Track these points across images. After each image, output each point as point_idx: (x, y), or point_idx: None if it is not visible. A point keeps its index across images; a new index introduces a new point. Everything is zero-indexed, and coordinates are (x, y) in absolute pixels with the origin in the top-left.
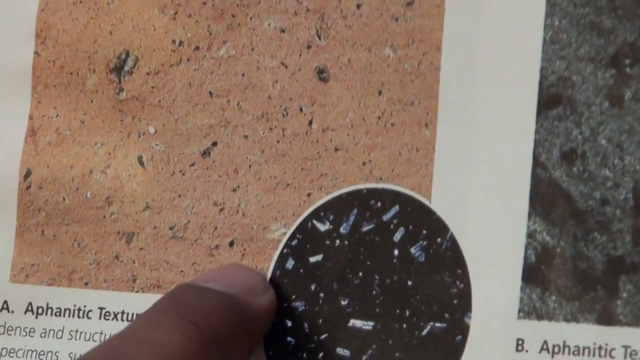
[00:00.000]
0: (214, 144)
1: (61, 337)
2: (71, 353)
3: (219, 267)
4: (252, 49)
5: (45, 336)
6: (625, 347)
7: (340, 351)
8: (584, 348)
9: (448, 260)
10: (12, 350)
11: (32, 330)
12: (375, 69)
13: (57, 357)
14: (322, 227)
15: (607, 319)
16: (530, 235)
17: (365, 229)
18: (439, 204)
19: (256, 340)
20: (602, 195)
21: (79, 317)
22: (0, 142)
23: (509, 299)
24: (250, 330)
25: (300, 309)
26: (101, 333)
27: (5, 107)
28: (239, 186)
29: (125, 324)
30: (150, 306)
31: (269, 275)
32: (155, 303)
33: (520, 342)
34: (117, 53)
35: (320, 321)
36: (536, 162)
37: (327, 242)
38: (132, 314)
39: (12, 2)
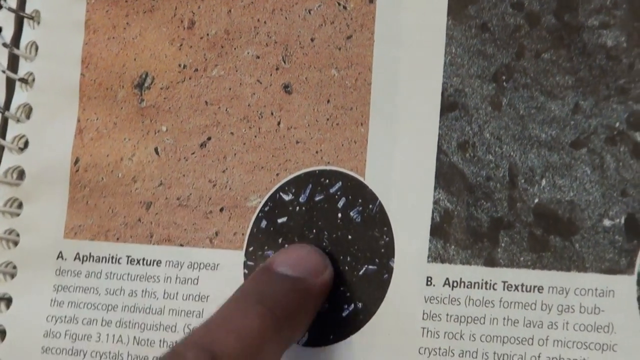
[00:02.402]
0: (209, 138)
1: (100, 277)
2: (107, 288)
3: (289, 250)
4: (236, 70)
5: (88, 276)
6: (504, 282)
7: None
8: (474, 283)
9: (377, 221)
10: (65, 287)
11: (79, 272)
12: (324, 85)
13: (97, 292)
14: (287, 197)
15: (490, 262)
16: (435, 202)
17: (317, 198)
18: (371, 180)
19: (317, 308)
20: (487, 174)
21: (112, 262)
22: (57, 138)
23: (421, 248)
24: (313, 305)
25: (270, 256)
26: (128, 274)
27: (61, 113)
28: (227, 168)
29: (145, 267)
30: (237, 290)
31: (247, 232)
32: (240, 288)
33: (429, 279)
34: (139, 74)
35: None
36: (440, 150)
37: (290, 208)
38: (150, 260)
39: (64, 39)
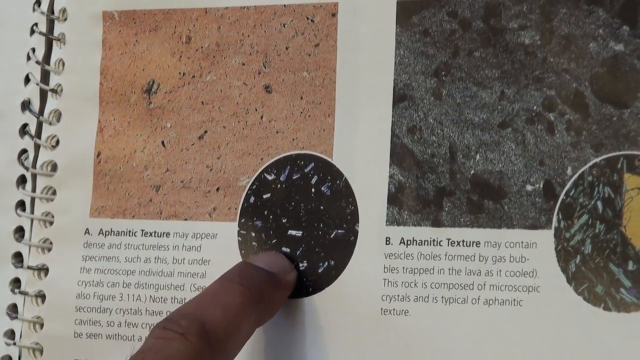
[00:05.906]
0: (205, 131)
1: (120, 248)
2: (126, 257)
3: (264, 253)
4: (226, 75)
5: (110, 248)
6: (448, 239)
7: (284, 249)
8: (424, 241)
9: (344, 193)
10: (91, 257)
11: (103, 244)
12: (298, 84)
13: (118, 260)
14: (270, 177)
15: (437, 223)
16: (391, 176)
17: (295, 177)
18: (338, 160)
19: (284, 300)
20: (431, 152)
21: (129, 235)
22: (82, 136)
23: (380, 214)
24: (281, 294)
25: (258, 225)
26: (143, 244)
27: (85, 116)
28: (221, 155)
29: (157, 238)
30: (224, 273)
31: (239, 207)
32: (227, 272)
33: (388, 239)
34: (147, 81)
35: (271, 232)
36: (393, 134)
37: (273, 186)
38: (160, 232)
39: (85, 55)
